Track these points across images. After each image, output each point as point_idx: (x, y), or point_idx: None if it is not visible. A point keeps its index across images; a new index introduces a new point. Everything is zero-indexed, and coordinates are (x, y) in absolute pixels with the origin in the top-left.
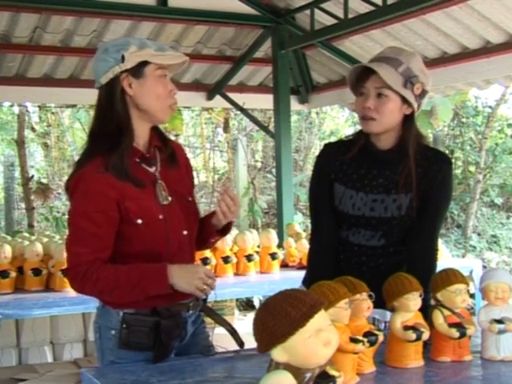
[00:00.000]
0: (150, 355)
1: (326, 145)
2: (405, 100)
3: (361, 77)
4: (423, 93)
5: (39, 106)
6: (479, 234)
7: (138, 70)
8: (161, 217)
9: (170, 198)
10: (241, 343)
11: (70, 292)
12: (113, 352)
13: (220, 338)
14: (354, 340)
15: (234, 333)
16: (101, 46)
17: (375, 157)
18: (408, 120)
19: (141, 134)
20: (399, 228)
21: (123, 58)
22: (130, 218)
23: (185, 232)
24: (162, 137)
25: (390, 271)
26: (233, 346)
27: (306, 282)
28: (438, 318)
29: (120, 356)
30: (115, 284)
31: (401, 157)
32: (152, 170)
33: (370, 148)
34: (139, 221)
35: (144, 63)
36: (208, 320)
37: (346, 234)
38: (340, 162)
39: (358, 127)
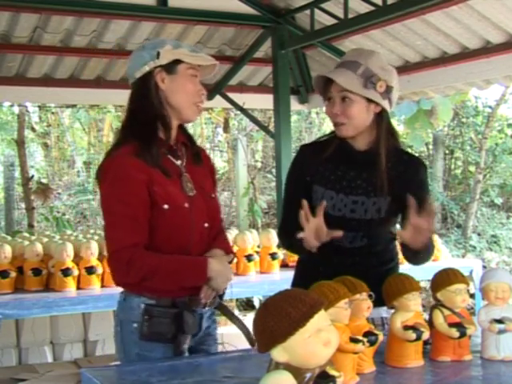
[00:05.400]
0: (171, 346)
1: (301, 147)
2: (370, 99)
3: (325, 84)
4: (388, 89)
5: (39, 106)
6: (479, 234)
7: (171, 67)
8: (186, 205)
9: (194, 191)
10: (252, 342)
11: (70, 292)
12: (137, 344)
13: (225, 337)
14: (354, 340)
15: (246, 331)
16: (138, 46)
17: (352, 158)
18: (379, 117)
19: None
20: (380, 229)
21: (158, 55)
22: (157, 203)
23: (206, 224)
24: (188, 137)
25: (377, 271)
26: (235, 345)
27: (295, 285)
28: (438, 317)
29: (144, 348)
30: (157, 271)
31: (377, 158)
32: (178, 162)
33: (347, 149)
34: (166, 206)
35: (177, 61)
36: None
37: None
38: (316, 163)
39: None
